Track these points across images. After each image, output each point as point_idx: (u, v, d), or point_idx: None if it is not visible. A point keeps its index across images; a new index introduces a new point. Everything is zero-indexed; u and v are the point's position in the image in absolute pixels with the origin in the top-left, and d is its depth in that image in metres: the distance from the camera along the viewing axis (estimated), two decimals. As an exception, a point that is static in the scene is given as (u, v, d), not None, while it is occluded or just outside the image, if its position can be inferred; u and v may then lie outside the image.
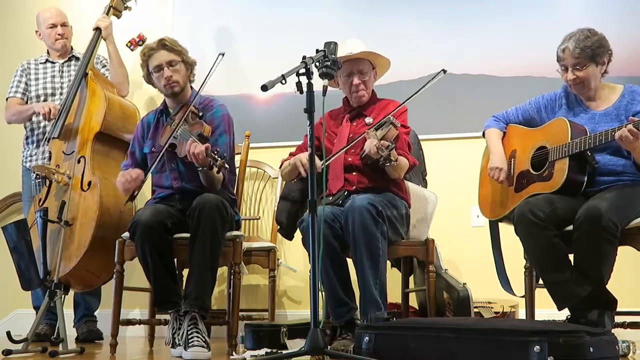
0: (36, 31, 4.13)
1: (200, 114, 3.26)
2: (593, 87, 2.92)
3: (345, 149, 3.04)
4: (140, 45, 4.11)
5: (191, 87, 3.40)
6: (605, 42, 2.88)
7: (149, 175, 3.29)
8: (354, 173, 3.09)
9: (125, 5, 4.18)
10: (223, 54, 3.17)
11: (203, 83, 3.22)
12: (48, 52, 4.14)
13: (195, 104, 3.28)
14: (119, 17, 4.16)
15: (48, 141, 3.79)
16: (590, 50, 2.84)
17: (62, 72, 4.07)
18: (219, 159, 2.91)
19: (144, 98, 4.44)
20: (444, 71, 3.06)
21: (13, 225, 3.20)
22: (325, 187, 2.94)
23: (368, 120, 3.15)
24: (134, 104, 4.03)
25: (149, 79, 3.37)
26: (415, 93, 3.05)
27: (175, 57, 3.30)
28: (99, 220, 3.45)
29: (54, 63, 4.10)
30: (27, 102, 4.06)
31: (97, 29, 3.99)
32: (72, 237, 3.48)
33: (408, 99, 3.06)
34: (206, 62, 3.33)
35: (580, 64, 2.86)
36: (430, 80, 3.05)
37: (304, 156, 2.99)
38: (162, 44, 3.29)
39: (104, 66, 4.10)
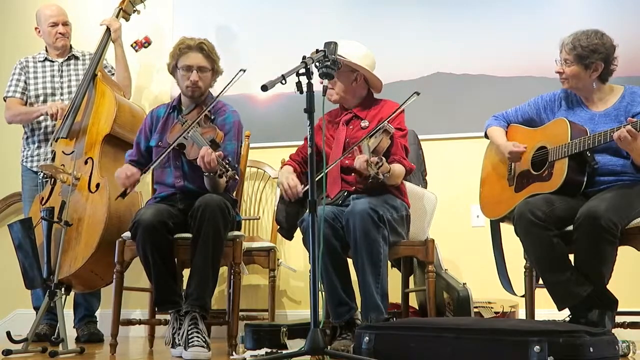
0: (36, 28, 4.07)
1: (212, 118, 3.27)
2: (581, 87, 2.92)
3: (337, 161, 3.03)
4: (146, 47, 4.12)
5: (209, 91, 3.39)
6: (605, 49, 2.84)
7: (149, 172, 3.27)
8: (353, 174, 3.08)
9: (135, 9, 4.18)
10: (244, 70, 3.15)
11: (220, 93, 3.21)
12: (47, 50, 4.09)
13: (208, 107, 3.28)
14: (127, 19, 4.16)
15: (56, 140, 3.74)
16: (580, 50, 2.83)
17: (62, 71, 4.03)
18: (230, 169, 2.92)
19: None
20: (417, 94, 3.04)
21: (19, 223, 3.20)
22: (325, 189, 2.94)
23: (364, 124, 3.13)
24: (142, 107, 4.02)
25: (172, 71, 3.36)
26: (388, 117, 3.01)
27: (208, 65, 3.30)
28: (107, 222, 3.44)
29: (53, 62, 4.05)
30: (26, 102, 4.01)
31: (107, 31, 3.98)
32: (79, 238, 3.47)
33: (384, 121, 2.98)
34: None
35: (567, 60, 2.86)
36: (405, 102, 3.05)
37: (287, 181, 3.05)
38: (200, 47, 3.28)
39: (109, 71, 4.07)
